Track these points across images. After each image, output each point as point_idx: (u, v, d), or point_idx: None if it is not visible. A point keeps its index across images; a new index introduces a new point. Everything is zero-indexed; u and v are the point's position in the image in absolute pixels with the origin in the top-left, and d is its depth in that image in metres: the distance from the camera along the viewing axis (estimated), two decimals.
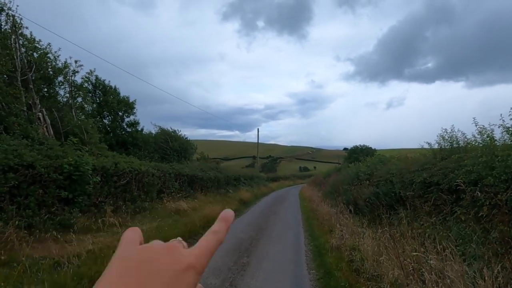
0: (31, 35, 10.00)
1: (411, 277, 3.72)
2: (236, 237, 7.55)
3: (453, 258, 3.66)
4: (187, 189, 12.35)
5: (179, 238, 0.35)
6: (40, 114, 8.91)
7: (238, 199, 15.22)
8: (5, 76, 8.41)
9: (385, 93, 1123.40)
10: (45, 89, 10.71)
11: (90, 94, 14.58)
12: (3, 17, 9.00)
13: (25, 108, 8.66)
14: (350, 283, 4.35)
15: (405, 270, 3.85)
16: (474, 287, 3.09)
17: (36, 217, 5.41)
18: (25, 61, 9.17)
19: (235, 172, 21.47)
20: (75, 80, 11.55)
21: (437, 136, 7.18)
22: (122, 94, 16.05)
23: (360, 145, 34.78)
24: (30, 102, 8.87)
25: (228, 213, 0.38)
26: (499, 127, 5.11)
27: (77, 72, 11.34)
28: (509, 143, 4.98)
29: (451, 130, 6.88)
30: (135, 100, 16.46)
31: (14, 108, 8.13)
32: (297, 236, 7.88)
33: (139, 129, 17.04)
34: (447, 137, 6.94)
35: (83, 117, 11.75)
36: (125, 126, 16.39)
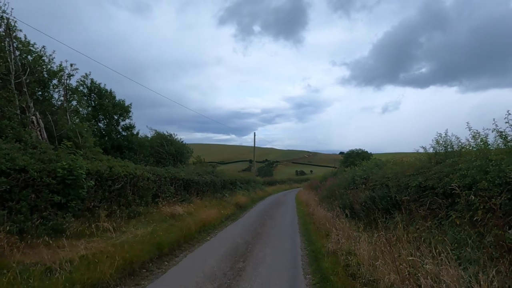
0: (25, 38, 9.93)
1: (407, 281, 3.71)
2: (232, 242, 7.50)
3: (448, 262, 3.66)
4: (182, 193, 12.25)
5: None
6: (33, 117, 8.81)
7: (235, 203, 15.16)
8: None
9: (381, 97, 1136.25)
10: (39, 92, 10.60)
11: (85, 98, 14.47)
12: None
13: (18, 112, 8.55)
14: None
15: (401, 274, 3.84)
16: None
17: (28, 222, 5.29)
18: (19, 64, 9.08)
19: (231, 176, 21.40)
20: (70, 84, 11.45)
21: (432, 140, 7.24)
22: (118, 98, 15.96)
23: (356, 149, 35.05)
24: (24, 105, 8.77)
25: None
26: (492, 131, 5.16)
27: (72, 75, 11.25)
28: (502, 147, 5.03)
29: (446, 134, 6.95)
30: (130, 104, 16.37)
31: (7, 111, 8.02)
32: (293, 241, 7.85)
33: (135, 133, 16.90)
34: (441, 142, 7.00)
35: (77, 120, 11.64)
36: (121, 130, 16.23)
